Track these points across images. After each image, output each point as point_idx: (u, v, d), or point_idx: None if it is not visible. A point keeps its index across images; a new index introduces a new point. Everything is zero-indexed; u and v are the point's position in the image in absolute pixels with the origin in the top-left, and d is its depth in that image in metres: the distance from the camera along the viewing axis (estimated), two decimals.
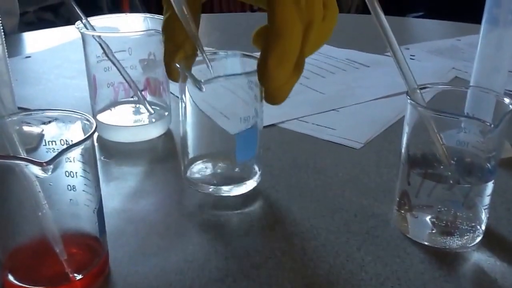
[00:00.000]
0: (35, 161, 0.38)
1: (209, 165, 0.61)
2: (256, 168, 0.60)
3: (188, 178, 0.60)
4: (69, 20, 2.38)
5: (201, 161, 0.61)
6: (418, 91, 0.50)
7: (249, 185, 0.59)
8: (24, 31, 1.28)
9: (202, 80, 0.51)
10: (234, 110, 0.56)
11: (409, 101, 0.50)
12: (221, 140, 0.58)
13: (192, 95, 0.56)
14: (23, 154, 0.42)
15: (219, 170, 0.60)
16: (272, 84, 0.47)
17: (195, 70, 0.54)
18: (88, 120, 0.44)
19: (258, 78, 0.48)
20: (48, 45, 1.15)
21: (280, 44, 0.46)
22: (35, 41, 1.21)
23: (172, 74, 0.54)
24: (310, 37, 0.47)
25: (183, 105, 0.57)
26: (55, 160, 0.38)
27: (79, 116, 0.45)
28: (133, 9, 2.53)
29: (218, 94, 0.54)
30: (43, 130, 0.46)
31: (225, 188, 0.59)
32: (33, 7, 2.32)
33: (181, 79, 0.56)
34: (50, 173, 0.38)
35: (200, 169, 0.60)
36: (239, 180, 0.59)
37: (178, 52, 0.52)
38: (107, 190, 0.60)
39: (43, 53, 1.11)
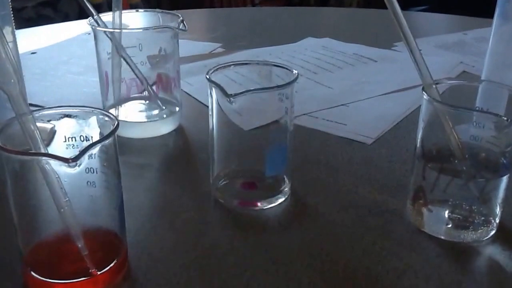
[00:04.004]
0: (61, 157, 0.38)
1: (238, 179, 0.60)
2: (286, 181, 0.59)
3: (216, 190, 0.59)
4: (67, 16, 2.38)
5: (229, 174, 0.60)
6: (433, 86, 0.50)
7: (277, 200, 0.58)
8: (23, 26, 1.27)
9: (233, 94, 0.51)
10: (263, 120, 0.56)
11: (424, 96, 0.50)
12: (250, 153, 0.57)
13: (221, 105, 0.55)
14: (45, 151, 0.42)
15: (246, 185, 0.60)
16: None
17: (224, 82, 0.54)
18: (109, 117, 0.44)
19: None
20: (52, 41, 1.15)
21: None
22: (38, 36, 1.21)
23: None
24: None
25: (212, 115, 0.57)
26: (81, 157, 0.38)
27: (99, 113, 0.45)
28: (132, 7, 2.53)
29: (248, 105, 0.53)
30: (54, 126, 0.47)
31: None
32: (31, 2, 2.32)
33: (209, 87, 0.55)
34: (75, 169, 0.39)
35: (228, 183, 0.60)
36: (268, 195, 0.58)
37: None
38: (122, 186, 0.60)
39: (49, 48, 1.11)
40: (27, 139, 0.42)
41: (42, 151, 0.42)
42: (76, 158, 0.38)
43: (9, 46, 0.41)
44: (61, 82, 0.93)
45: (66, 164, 0.38)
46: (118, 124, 0.43)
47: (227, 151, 0.59)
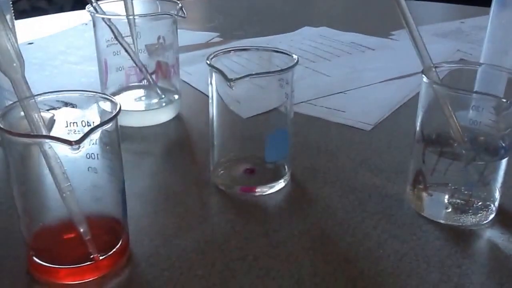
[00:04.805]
0: (65, 139, 0.38)
1: (238, 165, 0.60)
2: (286, 167, 0.60)
3: (216, 177, 0.60)
4: (62, 8, 2.37)
5: (229, 161, 0.60)
6: (433, 69, 0.51)
7: (278, 186, 0.59)
8: (17, 19, 1.27)
9: (233, 78, 0.51)
10: (263, 105, 0.56)
11: (424, 79, 0.51)
12: (250, 140, 0.58)
13: (221, 93, 0.55)
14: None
15: (247, 170, 0.60)
16: None
17: (224, 67, 0.54)
18: (111, 101, 0.44)
19: None
20: (49, 32, 1.15)
21: None
22: (34, 27, 1.20)
23: None
24: None
25: (212, 103, 0.57)
26: (84, 139, 0.38)
27: (102, 97, 0.45)
28: None
29: (248, 92, 0.54)
30: (54, 115, 0.47)
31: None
32: None
33: (210, 74, 0.55)
34: (79, 151, 0.39)
35: (229, 169, 0.60)
36: (268, 181, 0.58)
37: None
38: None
39: (46, 39, 1.11)
40: (29, 123, 0.42)
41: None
42: (79, 141, 0.38)
43: (11, 30, 0.41)
44: (59, 72, 0.93)
45: (70, 147, 0.38)
46: (120, 108, 0.43)
47: (227, 138, 0.59)
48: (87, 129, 0.44)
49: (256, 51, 0.59)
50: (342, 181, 0.60)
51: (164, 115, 0.74)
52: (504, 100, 0.46)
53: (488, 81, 0.54)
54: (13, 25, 0.66)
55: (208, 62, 0.54)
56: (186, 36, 1.08)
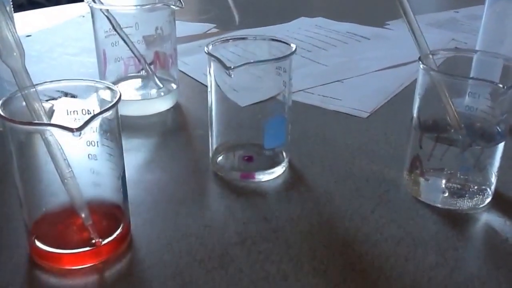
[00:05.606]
0: (66, 127, 0.39)
1: (237, 152, 0.61)
2: (284, 154, 0.60)
3: (215, 164, 0.60)
4: (59, 2, 2.37)
5: (228, 148, 0.61)
6: (430, 56, 0.51)
7: (276, 172, 0.59)
8: (15, 12, 1.27)
9: (231, 66, 0.51)
10: (261, 93, 0.56)
11: (421, 65, 0.51)
12: (249, 127, 0.58)
13: (219, 81, 0.56)
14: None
15: (246, 158, 0.60)
16: None
17: (222, 58, 0.54)
18: (110, 88, 0.45)
19: None
20: (46, 25, 1.15)
21: None
22: (32, 20, 1.20)
23: None
24: None
25: (210, 91, 0.57)
26: (86, 126, 0.39)
27: (102, 85, 0.46)
28: None
29: (246, 80, 0.54)
30: (53, 106, 0.47)
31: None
32: None
33: (208, 64, 0.56)
34: (80, 139, 0.39)
35: (227, 157, 0.61)
36: (266, 167, 0.59)
37: None
38: None
39: (43, 32, 1.11)
40: (30, 112, 0.43)
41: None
42: (80, 128, 0.39)
43: (11, 20, 0.41)
44: (58, 64, 0.94)
45: (71, 133, 0.39)
46: (120, 95, 0.43)
47: (226, 126, 0.59)
48: (87, 117, 0.44)
49: (253, 40, 0.59)
50: (339, 167, 0.61)
51: (163, 105, 0.74)
52: (500, 86, 0.47)
53: (484, 68, 0.55)
54: (12, 17, 0.66)
55: (207, 51, 0.55)
56: (183, 27, 1.08)
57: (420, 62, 0.51)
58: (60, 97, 0.47)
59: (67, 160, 0.43)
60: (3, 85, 0.65)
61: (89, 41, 0.73)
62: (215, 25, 1.12)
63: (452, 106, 0.51)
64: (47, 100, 0.47)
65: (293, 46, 0.56)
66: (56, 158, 0.43)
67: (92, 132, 0.43)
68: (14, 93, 0.43)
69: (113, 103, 0.43)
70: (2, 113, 0.41)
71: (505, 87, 0.47)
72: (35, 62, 0.94)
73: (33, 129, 0.43)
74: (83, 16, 1.18)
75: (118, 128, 0.46)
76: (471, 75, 0.57)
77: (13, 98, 0.43)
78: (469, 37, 1.02)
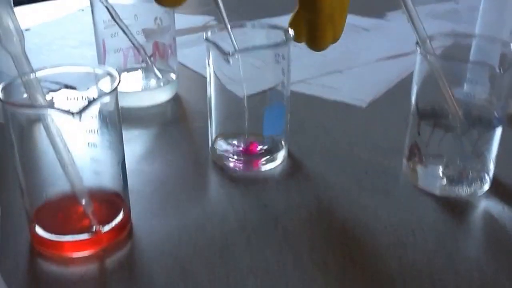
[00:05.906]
0: (66, 110, 0.39)
1: (236, 141, 0.60)
2: (283, 144, 0.60)
3: (215, 153, 0.60)
4: None
5: (227, 138, 0.61)
6: (428, 41, 0.51)
7: (276, 161, 0.59)
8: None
9: (230, 53, 0.51)
10: (260, 83, 0.57)
11: (419, 51, 0.51)
12: (248, 116, 0.58)
13: (218, 72, 0.56)
14: None
15: (245, 147, 0.60)
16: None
17: (221, 42, 0.54)
18: (110, 74, 0.45)
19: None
20: (45, 19, 1.15)
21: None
22: (30, 14, 1.20)
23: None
24: None
25: (210, 82, 0.57)
26: (85, 110, 0.39)
27: (102, 72, 0.46)
28: None
29: (244, 67, 0.54)
30: (53, 98, 0.47)
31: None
32: None
33: (207, 53, 0.56)
34: (80, 122, 0.39)
35: (227, 145, 0.60)
36: (265, 157, 0.59)
37: None
38: None
39: (42, 25, 1.11)
40: (29, 97, 0.43)
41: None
42: (80, 111, 0.39)
43: (10, 6, 0.41)
44: (58, 56, 0.94)
45: (71, 117, 0.39)
46: (120, 79, 0.43)
47: (225, 116, 0.59)
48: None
49: (252, 27, 0.59)
50: (338, 156, 0.61)
51: (163, 95, 0.74)
52: (498, 69, 0.47)
53: (482, 56, 0.55)
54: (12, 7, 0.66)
55: (205, 37, 0.55)
56: (182, 20, 1.08)
57: (417, 46, 0.51)
58: (60, 88, 0.48)
59: (67, 146, 0.43)
60: (2, 77, 0.65)
61: (88, 35, 0.73)
62: (214, 17, 1.12)
63: (450, 92, 0.51)
64: (47, 93, 0.47)
65: (292, 31, 0.56)
66: (57, 145, 0.43)
67: (92, 119, 0.44)
68: (14, 78, 0.43)
69: (113, 88, 0.43)
70: (1, 97, 0.41)
71: (501, 70, 0.47)
72: (35, 54, 0.93)
73: (33, 113, 0.43)
74: (82, 10, 1.17)
75: (118, 115, 0.46)
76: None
77: (12, 84, 0.43)
78: (469, 29, 1.01)
